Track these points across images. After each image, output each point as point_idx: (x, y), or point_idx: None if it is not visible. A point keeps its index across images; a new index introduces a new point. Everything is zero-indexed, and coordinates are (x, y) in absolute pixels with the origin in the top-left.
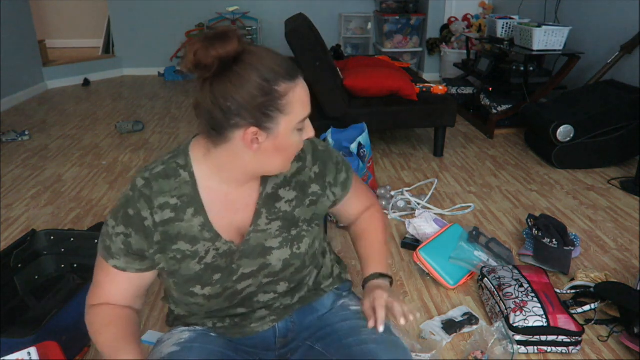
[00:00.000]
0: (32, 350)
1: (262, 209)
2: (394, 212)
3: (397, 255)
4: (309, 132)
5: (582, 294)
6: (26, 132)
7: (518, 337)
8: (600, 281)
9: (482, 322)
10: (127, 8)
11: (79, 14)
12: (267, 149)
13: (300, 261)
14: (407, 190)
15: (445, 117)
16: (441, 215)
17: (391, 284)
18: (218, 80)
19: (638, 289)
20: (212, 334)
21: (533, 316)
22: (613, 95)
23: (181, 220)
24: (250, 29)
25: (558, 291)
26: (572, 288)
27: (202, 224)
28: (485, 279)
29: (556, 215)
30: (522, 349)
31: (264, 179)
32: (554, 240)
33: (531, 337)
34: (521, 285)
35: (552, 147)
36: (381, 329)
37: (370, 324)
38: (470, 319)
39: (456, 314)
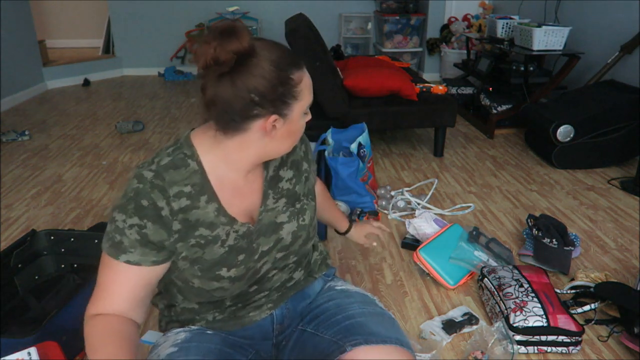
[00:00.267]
0: (32, 350)
1: (268, 191)
2: (394, 212)
3: (397, 255)
4: (309, 115)
5: (582, 294)
6: (26, 132)
7: (518, 337)
8: (600, 281)
9: (482, 322)
10: (127, 8)
11: (79, 14)
12: (281, 134)
13: (305, 232)
14: (407, 190)
15: (445, 117)
16: (441, 215)
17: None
18: (237, 74)
19: (638, 289)
20: (208, 331)
21: (533, 316)
22: (613, 95)
23: (197, 207)
24: (250, 29)
25: (558, 291)
26: (572, 288)
27: (217, 210)
28: (485, 279)
29: (556, 215)
30: (522, 349)
31: (265, 164)
32: (554, 240)
33: (531, 337)
34: (521, 285)
35: (552, 147)
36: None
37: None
38: (470, 319)
39: (456, 314)
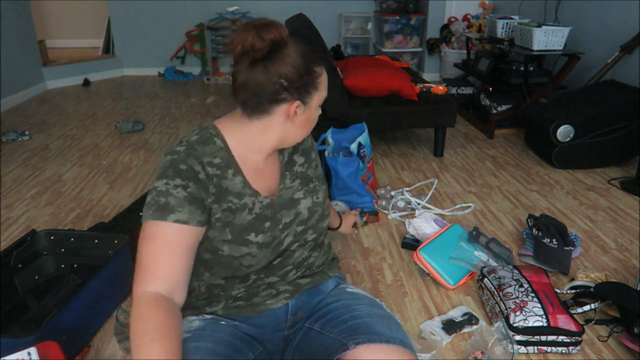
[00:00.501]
0: (32, 350)
1: (285, 172)
2: (394, 212)
3: (397, 255)
4: (320, 110)
5: (582, 294)
6: (26, 132)
7: (518, 337)
8: (600, 281)
9: (482, 322)
10: (127, 8)
11: (79, 14)
12: (300, 120)
13: (320, 209)
14: (407, 190)
15: (445, 117)
16: (441, 215)
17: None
18: (270, 61)
19: (638, 289)
20: (221, 322)
21: (533, 316)
22: (613, 95)
23: (226, 177)
24: None
25: (558, 291)
26: (572, 288)
27: (242, 182)
28: (485, 279)
29: (556, 215)
30: (522, 349)
31: (280, 151)
32: (554, 240)
33: (531, 337)
34: (521, 285)
35: (552, 147)
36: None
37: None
38: (470, 319)
39: (456, 314)
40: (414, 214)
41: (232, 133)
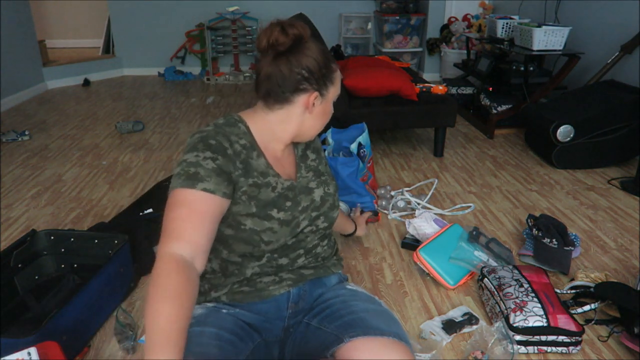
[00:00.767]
0: (32, 350)
1: (300, 164)
2: (394, 212)
3: (397, 255)
4: (332, 108)
5: (582, 294)
6: (26, 132)
7: (518, 337)
8: (600, 281)
9: (482, 322)
10: (127, 8)
11: (79, 14)
12: (317, 112)
13: (331, 199)
14: (407, 190)
15: (445, 117)
16: (441, 215)
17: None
18: (292, 54)
19: (638, 289)
20: (223, 310)
21: (533, 316)
22: (613, 95)
23: (252, 157)
24: (250, 28)
25: (558, 291)
26: (572, 288)
27: (266, 164)
28: (485, 279)
29: (556, 215)
30: (522, 349)
31: (295, 145)
32: (554, 240)
33: (531, 337)
34: (521, 285)
35: (552, 147)
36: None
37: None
38: (470, 319)
39: (456, 314)
40: (414, 214)
41: (254, 121)
